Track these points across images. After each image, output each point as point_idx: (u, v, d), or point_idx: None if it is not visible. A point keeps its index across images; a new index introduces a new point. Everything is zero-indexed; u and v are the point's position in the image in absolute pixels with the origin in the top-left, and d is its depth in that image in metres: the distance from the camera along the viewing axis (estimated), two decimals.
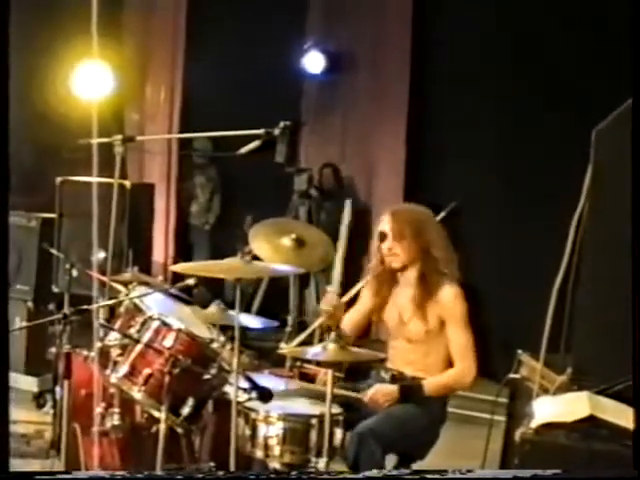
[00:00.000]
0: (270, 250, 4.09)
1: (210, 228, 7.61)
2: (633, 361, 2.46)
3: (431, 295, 3.38)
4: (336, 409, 3.16)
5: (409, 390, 3.37)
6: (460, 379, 3.37)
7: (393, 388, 3.36)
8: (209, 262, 3.69)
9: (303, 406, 3.32)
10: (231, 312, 3.80)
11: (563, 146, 5.26)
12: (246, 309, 4.29)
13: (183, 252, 7.38)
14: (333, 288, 3.59)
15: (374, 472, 2.61)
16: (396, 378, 3.45)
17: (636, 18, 2.47)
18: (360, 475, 2.37)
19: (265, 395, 3.11)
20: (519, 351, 3.61)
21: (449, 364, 3.42)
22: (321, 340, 3.34)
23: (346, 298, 3.70)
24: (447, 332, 3.38)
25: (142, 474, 2.54)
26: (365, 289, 3.62)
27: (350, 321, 3.54)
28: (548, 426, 2.60)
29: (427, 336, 3.41)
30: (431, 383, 3.38)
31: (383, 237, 3.45)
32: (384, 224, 3.46)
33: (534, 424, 2.63)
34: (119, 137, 3.00)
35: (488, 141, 6.21)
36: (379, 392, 3.34)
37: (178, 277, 3.84)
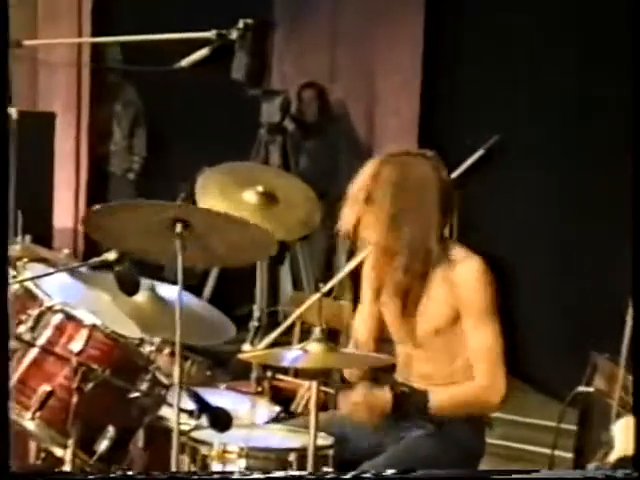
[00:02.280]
0: (227, 209, 3.97)
1: (135, 177, 7.64)
2: (633, 361, 2.63)
3: (440, 274, 3.35)
4: (323, 440, 3.16)
5: (407, 401, 3.36)
6: (481, 395, 3.36)
7: (384, 396, 3.35)
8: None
9: (276, 436, 3.33)
10: (170, 299, 3.83)
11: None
12: (194, 294, 4.28)
13: None
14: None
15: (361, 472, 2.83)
16: (397, 390, 3.42)
17: None
18: (348, 475, 2.63)
19: (220, 420, 3.12)
20: (593, 353, 3.61)
21: None
22: (302, 340, 3.33)
23: (336, 279, 3.69)
24: (463, 328, 3.36)
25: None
26: (365, 269, 3.60)
27: (366, 329, 3.55)
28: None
29: (440, 337, 3.39)
30: (441, 395, 3.37)
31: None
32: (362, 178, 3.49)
33: (614, 457, 2.64)
34: None
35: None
36: (364, 400, 3.33)
37: (92, 250, 3.78)
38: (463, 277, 3.34)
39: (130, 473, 2.99)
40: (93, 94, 7.24)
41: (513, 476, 2.53)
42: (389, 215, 3.38)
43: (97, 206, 3.26)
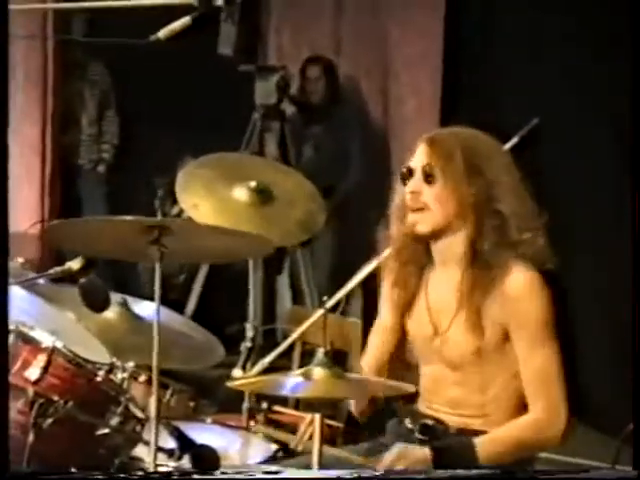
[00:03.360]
0: (214, 208, 4.13)
1: (106, 169, 7.65)
2: (633, 362, 2.73)
3: (492, 281, 3.35)
4: None
5: (450, 455, 3.35)
6: (540, 431, 3.36)
7: (422, 453, 3.34)
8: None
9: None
10: (145, 316, 3.84)
11: None
12: (174, 310, 4.31)
13: (67, 214, 7.36)
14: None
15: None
16: (430, 430, 3.43)
17: None
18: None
19: (206, 461, 3.15)
20: None
21: (524, 406, 3.41)
22: (303, 364, 3.33)
23: (344, 292, 3.69)
24: (516, 350, 3.36)
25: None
26: (385, 280, 3.61)
27: (383, 349, 3.57)
28: None
29: (481, 358, 3.39)
30: (490, 441, 3.36)
31: (408, 176, 3.42)
32: (415, 156, 3.44)
33: None
34: None
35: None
36: (401, 459, 3.33)
37: (55, 258, 3.78)
38: (518, 287, 3.34)
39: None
40: (57, 73, 7.26)
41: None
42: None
43: (55, 222, 3.28)
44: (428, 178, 3.38)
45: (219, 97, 7.26)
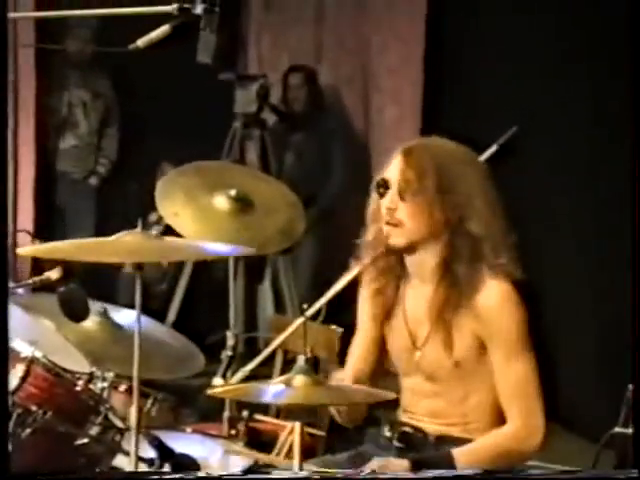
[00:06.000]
0: (194, 216, 4.11)
1: (99, 182, 7.61)
2: (632, 361, 2.74)
3: (462, 297, 3.36)
4: None
5: (428, 467, 3.34)
6: (518, 442, 3.37)
7: (401, 466, 3.35)
8: (87, 240, 3.66)
9: None
10: (125, 325, 3.83)
11: None
12: (155, 319, 4.31)
13: (46, 224, 7.34)
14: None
15: None
16: (408, 439, 3.43)
17: None
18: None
19: (185, 470, 3.16)
20: (630, 387, 3.60)
21: (502, 415, 3.41)
22: (285, 372, 3.33)
23: (324, 299, 3.68)
24: (492, 362, 3.37)
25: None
26: (364, 289, 3.61)
27: (363, 359, 3.56)
28: None
29: (459, 370, 3.40)
30: (468, 453, 3.37)
31: (384, 189, 3.42)
32: (390, 168, 3.44)
33: None
34: None
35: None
36: (383, 469, 3.33)
37: (36, 267, 3.76)
38: (491, 301, 3.35)
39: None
40: (40, 80, 7.23)
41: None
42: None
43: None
44: (402, 194, 3.39)
45: (199, 106, 7.25)
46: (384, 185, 3.42)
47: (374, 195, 3.47)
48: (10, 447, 3.04)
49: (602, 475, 2.61)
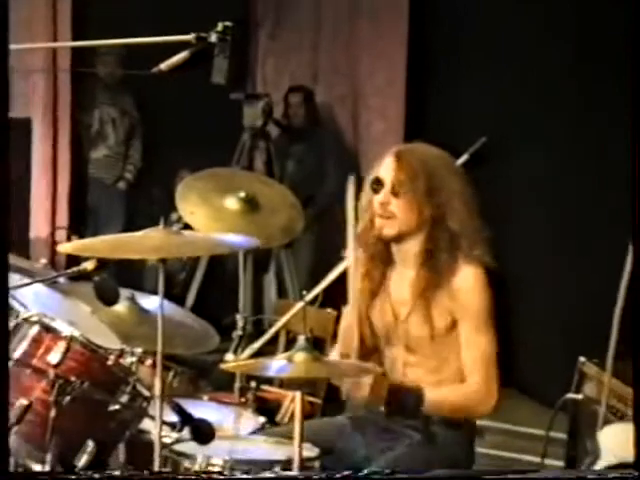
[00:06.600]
0: (208, 216, 4.10)
1: (127, 186, 7.59)
2: (633, 361, 2.63)
3: (440, 280, 3.37)
4: (310, 451, 3.17)
5: (404, 392, 3.36)
6: (474, 399, 3.38)
7: (385, 381, 3.35)
8: (117, 236, 3.65)
9: (260, 448, 3.32)
10: (150, 309, 3.83)
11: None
12: (176, 303, 4.28)
13: (81, 223, 7.33)
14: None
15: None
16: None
17: None
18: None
19: (203, 433, 3.12)
20: (581, 359, 3.61)
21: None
22: (287, 350, 3.33)
23: (321, 287, 3.69)
24: (460, 334, 3.39)
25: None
26: (355, 273, 3.58)
27: (348, 335, 3.50)
28: (621, 468, 2.63)
29: (434, 342, 3.41)
30: (434, 394, 3.38)
31: (378, 186, 3.42)
32: (383, 168, 3.43)
33: (600, 466, 2.65)
34: None
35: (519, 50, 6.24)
36: (354, 387, 3.34)
37: (72, 260, 3.76)
38: (464, 284, 3.36)
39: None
40: (75, 99, 7.22)
41: (510, 476, 2.61)
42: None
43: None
44: (395, 192, 3.40)
45: (213, 120, 7.21)
46: (378, 183, 3.43)
47: (366, 192, 3.48)
48: (53, 413, 3.07)
49: (602, 475, 2.54)
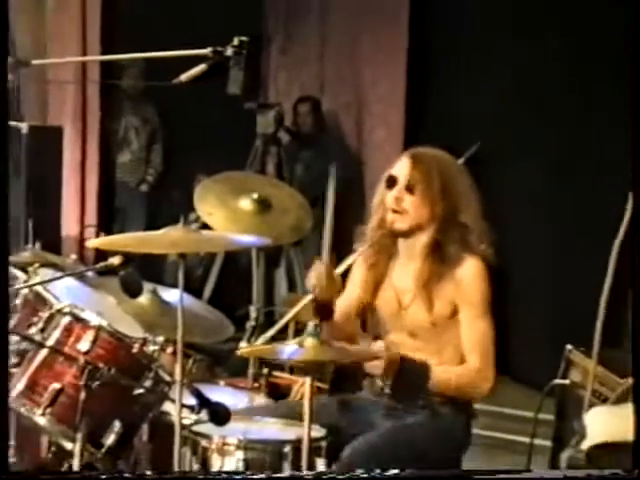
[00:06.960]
0: (224, 216, 4.08)
1: (149, 188, 7.59)
2: (633, 361, 2.61)
3: (444, 271, 3.37)
4: (317, 432, 3.14)
5: (413, 365, 3.35)
6: (474, 378, 3.36)
7: (394, 356, 3.33)
8: (140, 234, 3.65)
9: (272, 429, 3.31)
10: (171, 301, 3.83)
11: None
12: (194, 296, 4.28)
13: (108, 221, 7.33)
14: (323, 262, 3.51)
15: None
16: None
17: None
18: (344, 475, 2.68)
19: (220, 415, 3.11)
20: (568, 347, 3.60)
21: None
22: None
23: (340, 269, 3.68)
24: (461, 320, 3.38)
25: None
26: (357, 264, 3.60)
27: (339, 311, 3.50)
28: (605, 448, 2.60)
29: (435, 328, 3.40)
30: (439, 371, 3.36)
31: (392, 183, 3.41)
32: (398, 167, 3.43)
33: (586, 445, 2.63)
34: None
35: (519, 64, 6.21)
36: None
37: (100, 256, 3.77)
38: (468, 274, 3.36)
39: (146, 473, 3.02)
40: (103, 108, 7.23)
41: (501, 476, 2.54)
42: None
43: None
44: (410, 189, 3.39)
45: (228, 128, 7.22)
46: (393, 180, 3.43)
47: (379, 191, 3.47)
48: (83, 396, 3.09)
49: (602, 475, 2.49)
